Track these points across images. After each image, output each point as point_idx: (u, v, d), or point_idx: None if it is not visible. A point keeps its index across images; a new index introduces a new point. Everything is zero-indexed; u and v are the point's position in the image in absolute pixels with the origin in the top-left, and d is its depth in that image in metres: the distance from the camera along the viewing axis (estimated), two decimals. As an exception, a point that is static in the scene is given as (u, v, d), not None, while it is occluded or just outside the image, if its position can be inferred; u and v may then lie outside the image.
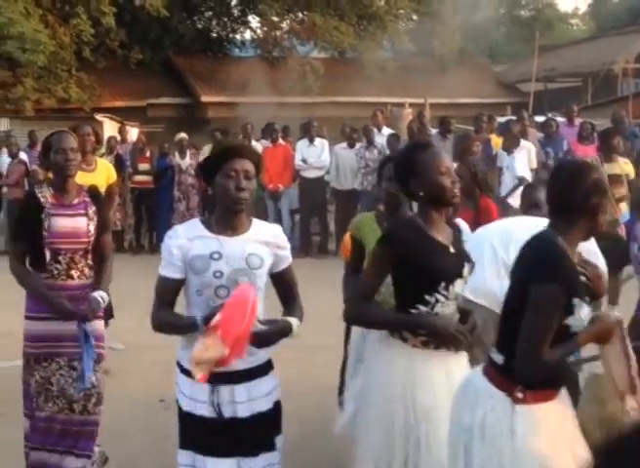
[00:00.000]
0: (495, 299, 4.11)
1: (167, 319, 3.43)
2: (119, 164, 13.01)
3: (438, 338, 3.48)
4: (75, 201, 4.69)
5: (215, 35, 27.79)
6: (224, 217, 3.43)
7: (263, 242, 3.46)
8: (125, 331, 7.90)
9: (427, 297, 3.46)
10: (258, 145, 14.61)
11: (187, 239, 3.38)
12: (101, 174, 7.25)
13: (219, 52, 27.23)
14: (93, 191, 4.85)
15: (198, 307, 3.38)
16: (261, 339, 3.30)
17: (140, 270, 10.38)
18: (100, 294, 4.65)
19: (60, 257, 4.60)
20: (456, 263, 3.55)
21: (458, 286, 3.54)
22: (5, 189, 14.65)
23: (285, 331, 3.38)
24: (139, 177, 14.30)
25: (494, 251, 4.61)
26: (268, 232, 3.52)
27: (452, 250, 3.56)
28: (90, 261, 4.72)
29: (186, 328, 3.34)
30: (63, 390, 4.64)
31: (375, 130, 13.46)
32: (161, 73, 24.63)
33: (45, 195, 4.64)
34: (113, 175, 7.49)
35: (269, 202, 13.96)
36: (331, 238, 14.01)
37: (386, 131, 13.71)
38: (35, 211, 4.58)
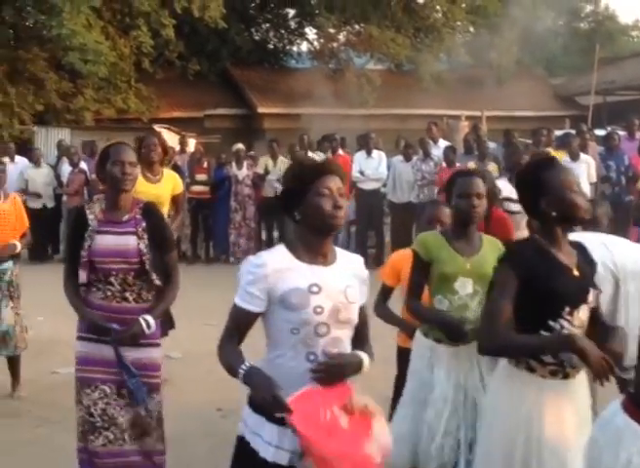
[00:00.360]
0: None
1: (226, 356, 3.05)
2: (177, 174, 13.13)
3: (585, 361, 3.11)
4: (125, 218, 4.38)
5: (271, 47, 28.09)
6: (314, 243, 3.08)
7: (353, 273, 3.16)
8: (181, 341, 7.97)
9: (552, 323, 3.26)
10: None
11: (275, 270, 3.00)
12: (167, 184, 7.13)
13: (275, 63, 27.47)
14: (148, 207, 4.50)
15: (292, 348, 3.01)
16: (329, 374, 2.98)
17: (196, 280, 10.49)
18: (146, 319, 4.29)
19: (112, 278, 4.32)
20: (580, 287, 3.35)
21: (582, 312, 3.34)
22: (65, 198, 14.90)
23: (355, 366, 3.08)
24: (196, 188, 14.40)
25: None
26: (356, 263, 3.20)
27: (576, 272, 3.35)
28: (156, 281, 4.40)
29: (233, 372, 2.99)
30: (113, 419, 4.34)
31: (431, 142, 13.43)
32: (218, 84, 24.86)
33: (94, 211, 4.36)
34: (179, 186, 7.33)
35: (325, 213, 13.98)
36: (386, 250, 13.98)
37: (443, 143, 13.66)
38: (81, 228, 4.34)
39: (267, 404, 2.84)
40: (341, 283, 3.07)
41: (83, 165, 14.97)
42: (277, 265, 3.01)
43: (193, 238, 14.71)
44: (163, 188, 7.09)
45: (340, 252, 3.19)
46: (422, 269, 4.28)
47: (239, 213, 14.37)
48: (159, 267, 4.43)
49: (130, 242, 4.33)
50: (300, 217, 3.07)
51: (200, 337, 7.73)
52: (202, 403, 6.63)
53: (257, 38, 27.55)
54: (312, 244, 3.08)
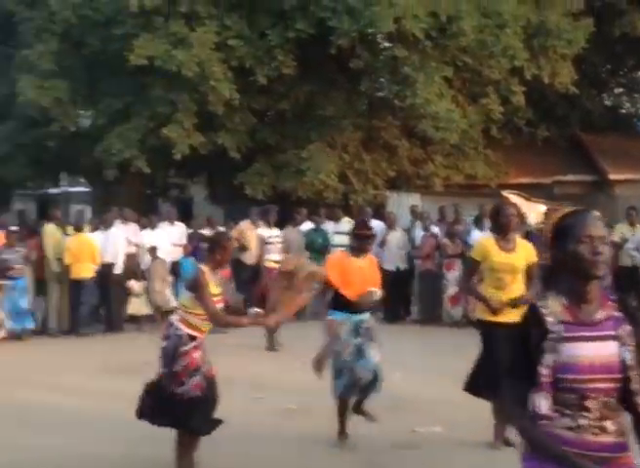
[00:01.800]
0: None
1: None
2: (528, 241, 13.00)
3: None
4: (599, 316, 3.18)
5: (624, 112, 27.16)
6: None
7: None
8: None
9: None
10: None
11: None
12: (520, 253, 7.08)
13: (628, 128, 26.52)
14: (623, 301, 3.54)
15: None
16: None
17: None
18: None
19: (589, 402, 3.08)
20: None
21: None
22: (418, 261, 15.32)
23: None
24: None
25: None
26: None
27: None
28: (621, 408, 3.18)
29: None
30: None
31: None
32: (567, 150, 24.41)
33: (553, 310, 3.14)
34: (532, 255, 7.22)
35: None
36: None
37: None
38: (535, 333, 3.14)
39: None
40: None
41: (434, 229, 15.34)
42: None
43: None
44: (517, 258, 7.03)
45: None
46: None
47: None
48: None
49: (611, 350, 3.14)
50: None
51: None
52: None
53: (608, 103, 26.86)
54: None
